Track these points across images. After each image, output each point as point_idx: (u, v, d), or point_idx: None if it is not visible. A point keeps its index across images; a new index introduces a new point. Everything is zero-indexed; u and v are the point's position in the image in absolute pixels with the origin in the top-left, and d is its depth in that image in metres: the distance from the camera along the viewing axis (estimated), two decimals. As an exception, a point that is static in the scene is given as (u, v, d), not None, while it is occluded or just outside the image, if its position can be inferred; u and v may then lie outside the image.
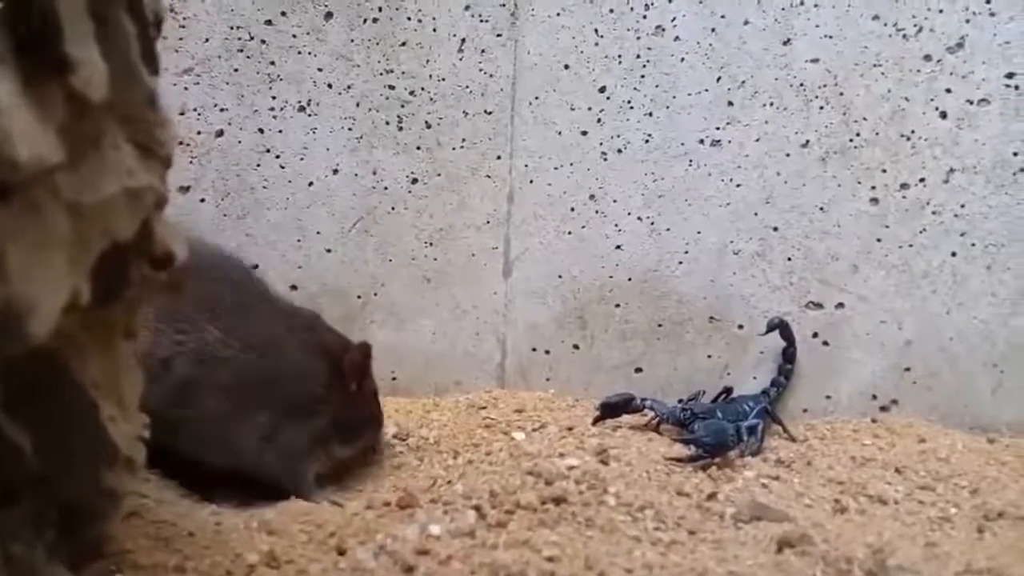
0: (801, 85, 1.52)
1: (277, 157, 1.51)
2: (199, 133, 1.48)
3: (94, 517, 0.60)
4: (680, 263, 1.57)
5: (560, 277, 1.58)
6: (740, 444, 1.36)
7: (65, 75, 0.49)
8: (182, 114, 1.47)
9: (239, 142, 1.50)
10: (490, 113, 1.56)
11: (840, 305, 1.53)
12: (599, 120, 1.56)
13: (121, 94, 0.56)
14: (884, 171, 1.50)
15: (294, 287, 1.52)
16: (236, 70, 1.49)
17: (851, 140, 1.51)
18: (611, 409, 1.45)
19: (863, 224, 1.51)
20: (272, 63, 1.51)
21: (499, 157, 1.57)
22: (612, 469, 1.12)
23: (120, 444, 0.58)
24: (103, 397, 0.57)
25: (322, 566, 0.85)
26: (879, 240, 1.51)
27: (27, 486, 0.52)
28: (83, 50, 0.51)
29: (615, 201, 1.57)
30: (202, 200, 1.49)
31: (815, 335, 1.54)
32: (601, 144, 1.57)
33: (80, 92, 0.51)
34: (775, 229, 1.55)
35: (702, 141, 1.55)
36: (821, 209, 1.53)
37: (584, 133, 1.57)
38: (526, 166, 1.57)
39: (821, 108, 1.52)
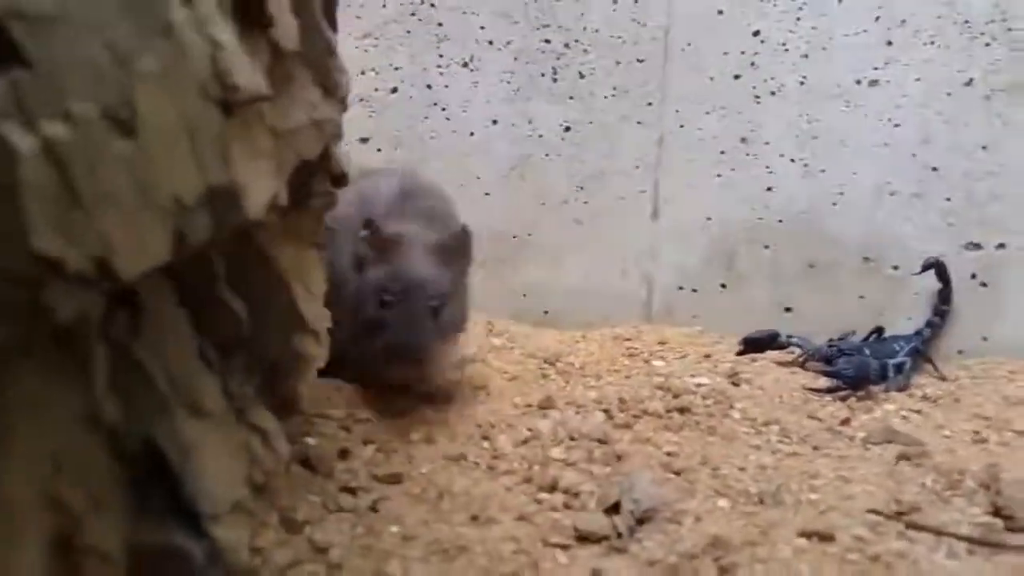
0: (966, 22, 1.49)
1: (443, 110, 1.65)
2: (376, 90, 1.64)
3: (289, 374, 0.75)
4: (834, 204, 1.58)
5: (709, 219, 1.63)
6: (886, 380, 1.37)
7: (268, 29, 0.62)
8: (362, 74, 1.63)
9: (410, 97, 1.64)
10: (642, 61, 1.62)
11: (1001, 246, 1.50)
12: (753, 63, 1.59)
13: (308, 45, 0.69)
14: (1054, 106, 1.45)
15: (458, 228, 1.66)
16: (408, 33, 1.63)
17: (1018, 76, 1.46)
18: (754, 344, 1.50)
19: (1029, 162, 1.47)
20: (440, 24, 1.64)
21: (650, 104, 1.63)
22: (742, 390, 1.18)
23: (307, 317, 0.73)
24: (294, 280, 0.72)
25: (469, 447, 0.98)
26: (1046, 178, 1.46)
27: (241, 343, 0.67)
28: (280, 11, 0.64)
29: (767, 143, 1.60)
30: (378, 150, 1.65)
31: (973, 276, 1.52)
32: (754, 87, 1.60)
33: (278, 42, 0.64)
34: (934, 169, 1.53)
35: (859, 82, 1.55)
36: (984, 148, 1.49)
37: (737, 77, 1.60)
38: (677, 111, 1.62)
39: (987, 44, 1.48)
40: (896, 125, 1.53)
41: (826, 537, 0.78)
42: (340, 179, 0.75)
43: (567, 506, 0.88)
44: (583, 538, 0.81)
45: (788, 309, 1.61)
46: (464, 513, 0.85)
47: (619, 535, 0.81)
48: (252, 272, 0.69)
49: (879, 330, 1.53)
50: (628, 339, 1.57)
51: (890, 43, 1.52)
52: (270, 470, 0.70)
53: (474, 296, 1.66)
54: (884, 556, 0.75)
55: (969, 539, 0.81)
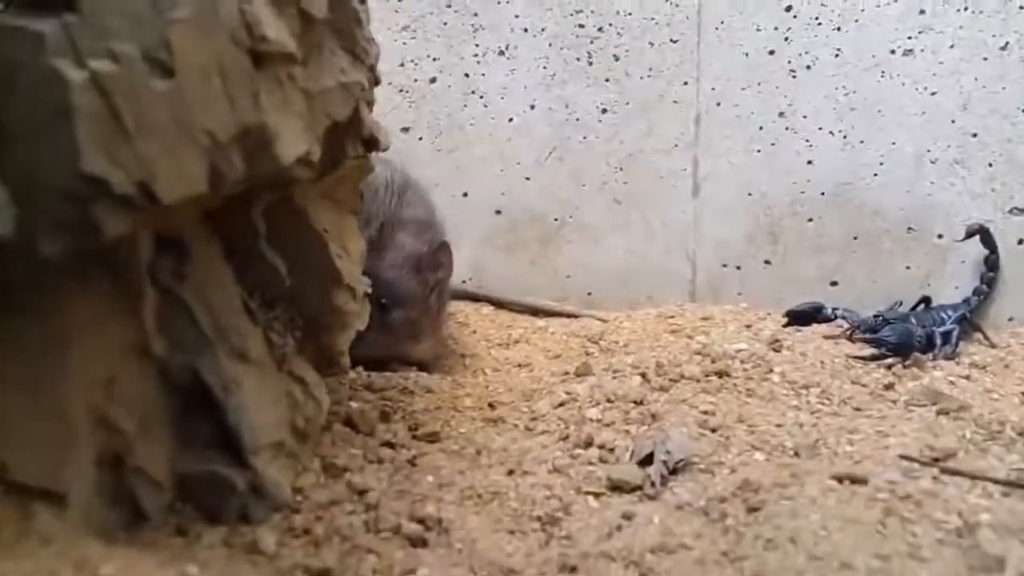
0: (1000, -15, 1.47)
1: (481, 98, 1.68)
2: (415, 81, 1.68)
3: (328, 328, 0.79)
4: (875, 175, 1.57)
5: (749, 195, 1.63)
6: (933, 349, 1.36)
7: None
8: (401, 65, 1.67)
9: (449, 87, 1.68)
10: (676, 41, 1.64)
11: (1048, 208, 1.48)
12: (786, 38, 1.59)
13: (336, 13, 0.73)
14: (1096, 65, 1.42)
15: (498, 212, 1.69)
16: (445, 24, 1.67)
17: (1056, 37, 1.44)
18: (799, 317, 1.50)
19: (1072, 122, 1.44)
20: (475, 14, 1.67)
21: (686, 83, 1.64)
22: (782, 356, 1.19)
23: (343, 273, 0.76)
24: (331, 239, 0.76)
25: (508, 411, 1.01)
26: (1090, 138, 1.44)
27: (283, 297, 0.71)
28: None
29: (805, 117, 1.60)
30: (420, 139, 1.69)
31: (1020, 241, 1.50)
32: (789, 62, 1.60)
33: (308, 10, 0.68)
34: (974, 135, 1.51)
35: (894, 52, 1.54)
36: (1023, 111, 1.47)
37: (771, 52, 1.60)
38: (713, 89, 1.63)
39: (1021, 7, 1.46)
40: (933, 93, 1.52)
41: (858, 480, 0.79)
42: (371, 143, 0.79)
43: (602, 460, 0.90)
44: (616, 487, 0.83)
45: (834, 283, 1.61)
46: (501, 467, 0.88)
47: (652, 484, 0.83)
48: (291, 230, 0.73)
49: (926, 300, 1.52)
50: (671, 317, 1.58)
51: (923, 11, 1.51)
52: (311, 418, 0.73)
53: (518, 279, 1.72)
54: (915, 495, 0.76)
55: (1005, 482, 0.81)
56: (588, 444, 0.93)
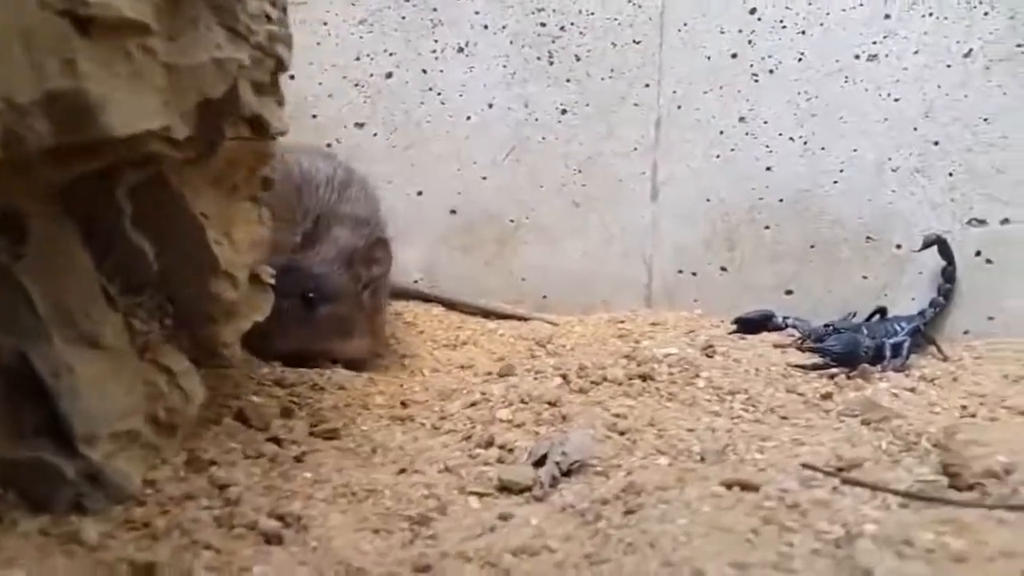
0: (965, -8, 1.44)
1: (439, 95, 1.66)
2: (371, 76, 1.66)
3: (207, 318, 0.76)
4: (835, 182, 1.54)
5: (708, 200, 1.61)
6: (884, 360, 1.33)
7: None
8: (357, 59, 1.65)
9: (406, 83, 1.66)
10: (638, 43, 1.61)
11: (1005, 221, 1.44)
12: (750, 41, 1.57)
13: (213, -9, 0.71)
14: (1058, 75, 1.39)
15: (453, 211, 1.67)
16: (403, 18, 1.65)
17: (1019, 45, 1.41)
18: (748, 325, 1.47)
19: (1033, 133, 1.41)
20: (434, 9, 1.65)
21: (647, 85, 1.62)
22: (713, 361, 1.15)
23: (222, 261, 0.74)
24: (211, 226, 0.73)
25: (421, 410, 0.98)
26: (1051, 149, 1.40)
27: (150, 283, 0.69)
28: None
29: (766, 122, 1.57)
30: (375, 135, 1.67)
31: (978, 253, 1.46)
32: (752, 65, 1.57)
33: (177, -16, 0.66)
34: (935, 143, 1.48)
35: (858, 56, 1.51)
36: (985, 120, 1.44)
37: (734, 56, 1.58)
38: (674, 92, 1.61)
39: (985, 14, 1.43)
40: (896, 99, 1.49)
41: (749, 487, 0.76)
42: (259, 125, 0.76)
43: (500, 460, 0.87)
44: (505, 488, 0.81)
45: (790, 291, 1.58)
46: (393, 465, 0.85)
47: (541, 486, 0.80)
48: (164, 213, 0.71)
49: (881, 311, 1.48)
50: (622, 322, 1.55)
51: (888, 16, 1.48)
52: (176, 409, 0.71)
53: (472, 281, 1.69)
54: (804, 504, 0.72)
55: (904, 493, 0.78)
56: (489, 444, 0.90)
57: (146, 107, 0.60)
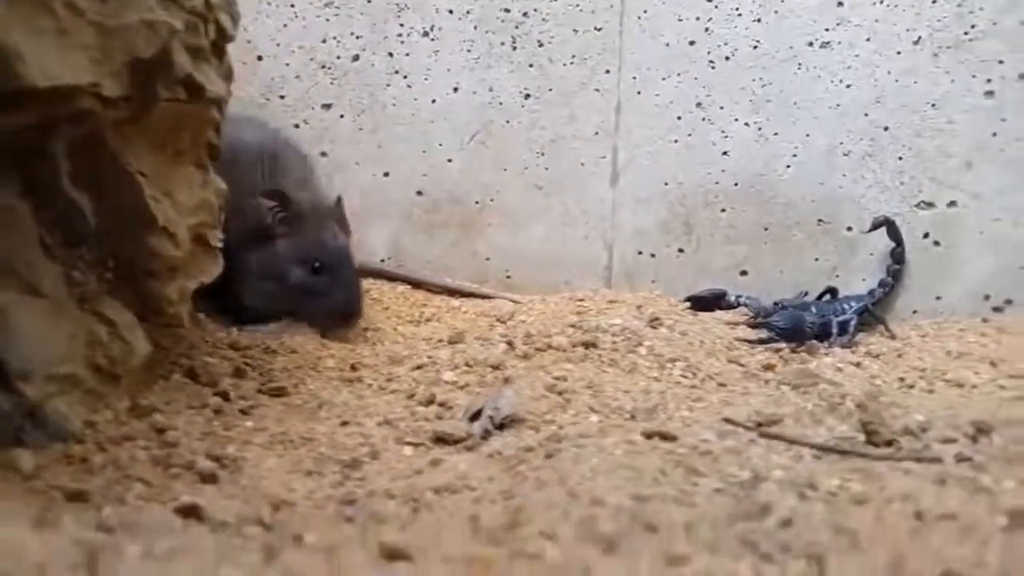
0: (914, -21, 1.48)
1: (405, 78, 1.69)
2: (338, 58, 1.69)
3: (146, 275, 0.79)
4: (788, 167, 1.58)
5: (666, 184, 1.64)
6: (829, 337, 1.37)
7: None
8: (323, 42, 1.69)
9: (372, 65, 1.69)
10: (600, 30, 1.65)
11: (952, 203, 1.48)
12: (707, 29, 1.60)
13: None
14: (1001, 62, 1.44)
15: (419, 193, 1.70)
16: (369, 1, 1.68)
17: (966, 33, 1.45)
18: (701, 303, 1.51)
19: (978, 119, 1.45)
20: (401, -6, 1.69)
21: (608, 71, 1.65)
22: (657, 332, 1.19)
23: (160, 218, 0.77)
24: (149, 184, 0.77)
25: (370, 373, 1.02)
26: (994, 135, 1.45)
27: (89, 237, 0.72)
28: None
29: (722, 108, 1.61)
30: (341, 116, 1.70)
31: (926, 235, 1.50)
32: (709, 52, 1.61)
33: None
34: (886, 129, 1.52)
35: (811, 44, 1.55)
36: (933, 106, 1.48)
37: (692, 43, 1.62)
38: (634, 78, 1.64)
39: (934, 2, 1.47)
40: (848, 86, 1.53)
41: (668, 437, 0.80)
42: (192, 87, 0.80)
43: (438, 417, 0.91)
44: (440, 439, 0.84)
45: (744, 272, 1.62)
46: (336, 420, 0.89)
47: (473, 438, 0.83)
48: (101, 171, 0.74)
49: (832, 291, 1.52)
50: (581, 299, 1.59)
51: (840, 3, 1.53)
52: (117, 359, 0.74)
53: (438, 261, 1.72)
54: (716, 452, 0.76)
55: (820, 447, 0.82)
56: (430, 402, 0.94)
57: (72, 62, 0.64)
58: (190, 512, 0.60)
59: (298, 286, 1.28)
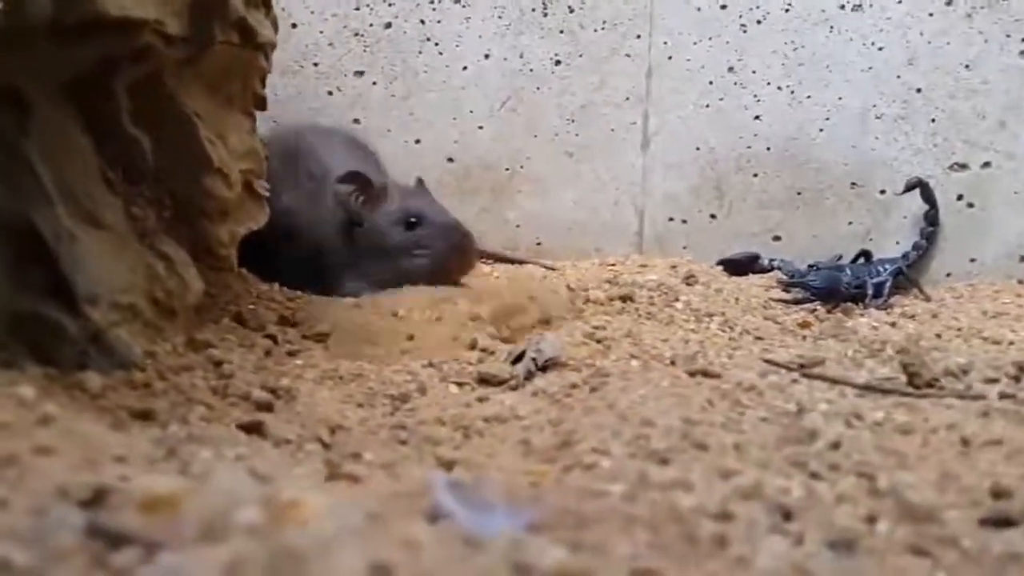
0: (948, -60, 1.48)
1: (436, 45, 1.70)
2: (371, 25, 1.70)
3: (203, 214, 0.81)
4: (821, 130, 1.58)
5: (698, 149, 1.65)
6: (865, 299, 1.37)
7: None
8: (357, 9, 1.70)
9: (404, 32, 1.70)
10: (630, -6, 1.65)
11: (986, 164, 1.48)
12: (738, -8, 1.60)
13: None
14: (1037, 19, 1.43)
15: (450, 159, 1.71)
16: (402, -31, 1.70)
17: (999, -10, 1.45)
18: (734, 266, 1.51)
19: (1012, 79, 1.45)
20: (434, -39, 1.70)
21: (639, 36, 1.66)
22: (693, 289, 1.20)
23: (215, 159, 0.79)
24: (205, 126, 0.78)
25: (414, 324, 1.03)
26: (1030, 93, 1.44)
27: (148, 175, 0.74)
28: None
29: (754, 72, 1.61)
30: (373, 83, 1.71)
31: (960, 197, 1.50)
32: (740, 16, 1.61)
33: None
34: (918, 91, 1.51)
35: (843, 6, 1.55)
36: (967, 67, 1.48)
37: (723, 7, 1.61)
38: (665, 43, 1.65)
39: (967, -39, 1.46)
40: (880, 48, 1.53)
41: (711, 375, 0.81)
42: (245, 30, 0.81)
43: (480, 361, 0.92)
44: (483, 380, 0.86)
45: (777, 237, 1.62)
46: (381, 363, 0.90)
47: (516, 378, 0.85)
48: (159, 110, 0.76)
49: (866, 253, 1.52)
50: (613, 265, 1.59)
51: (873, -35, 1.52)
52: (174, 292, 0.76)
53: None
54: (761, 388, 0.77)
55: (863, 386, 0.82)
56: (473, 347, 0.96)
57: (144, 4, 0.65)
58: (253, 428, 0.62)
59: (400, 246, 1.26)
